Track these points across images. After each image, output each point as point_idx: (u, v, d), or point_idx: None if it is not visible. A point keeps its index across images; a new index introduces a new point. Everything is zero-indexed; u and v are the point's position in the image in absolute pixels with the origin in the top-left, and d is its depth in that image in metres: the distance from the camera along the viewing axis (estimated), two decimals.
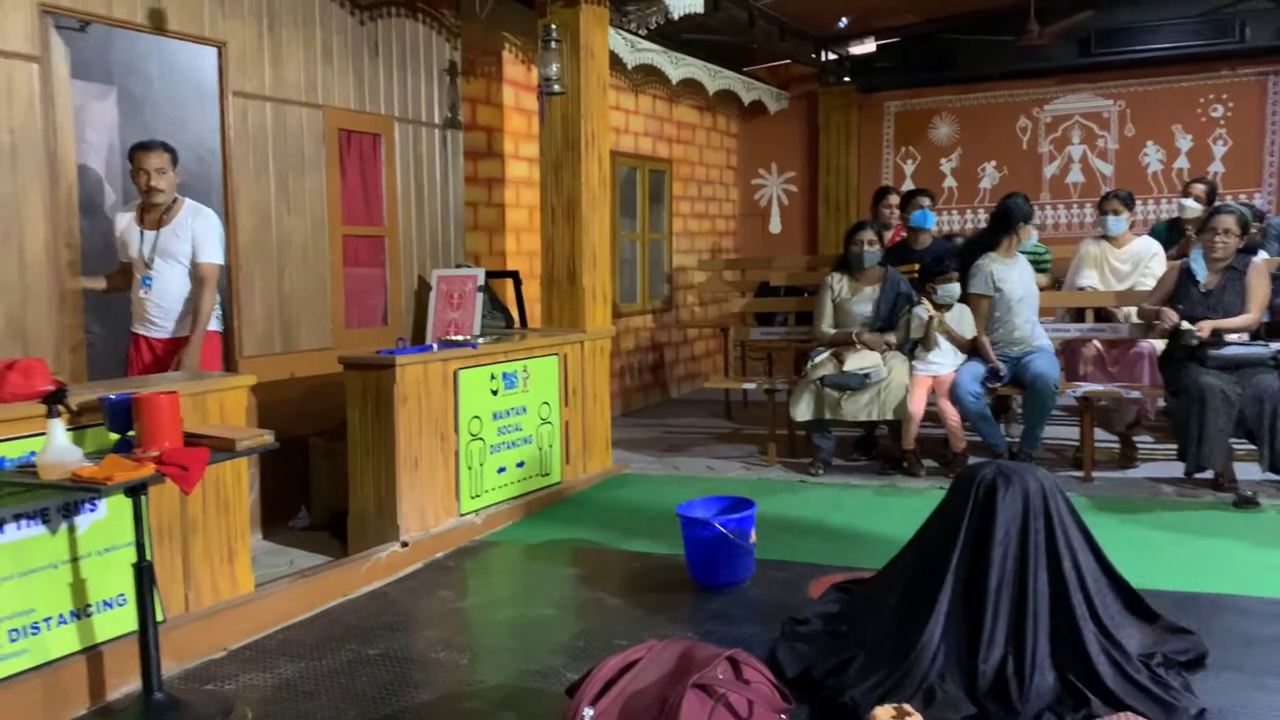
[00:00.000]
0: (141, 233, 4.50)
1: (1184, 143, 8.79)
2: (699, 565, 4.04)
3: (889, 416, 5.74)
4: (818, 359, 5.96)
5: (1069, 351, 6.20)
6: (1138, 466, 5.76)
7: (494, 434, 5.08)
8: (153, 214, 4.49)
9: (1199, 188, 6.44)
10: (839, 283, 6.12)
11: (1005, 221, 5.85)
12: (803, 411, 5.87)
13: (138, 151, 4.43)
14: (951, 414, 5.66)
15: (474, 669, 3.39)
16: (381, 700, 3.10)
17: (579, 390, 5.80)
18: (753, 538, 4.07)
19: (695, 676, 2.46)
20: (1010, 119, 9.31)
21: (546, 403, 5.49)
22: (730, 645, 2.83)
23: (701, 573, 4.04)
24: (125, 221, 4.59)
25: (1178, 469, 5.35)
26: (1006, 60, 8.93)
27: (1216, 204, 5.87)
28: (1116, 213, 6.06)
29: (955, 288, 5.77)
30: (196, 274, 4.49)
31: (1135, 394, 5.59)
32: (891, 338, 5.90)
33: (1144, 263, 6.04)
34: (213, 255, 4.50)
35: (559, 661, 3.33)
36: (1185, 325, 5.09)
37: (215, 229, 4.53)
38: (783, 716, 2.68)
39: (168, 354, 4.54)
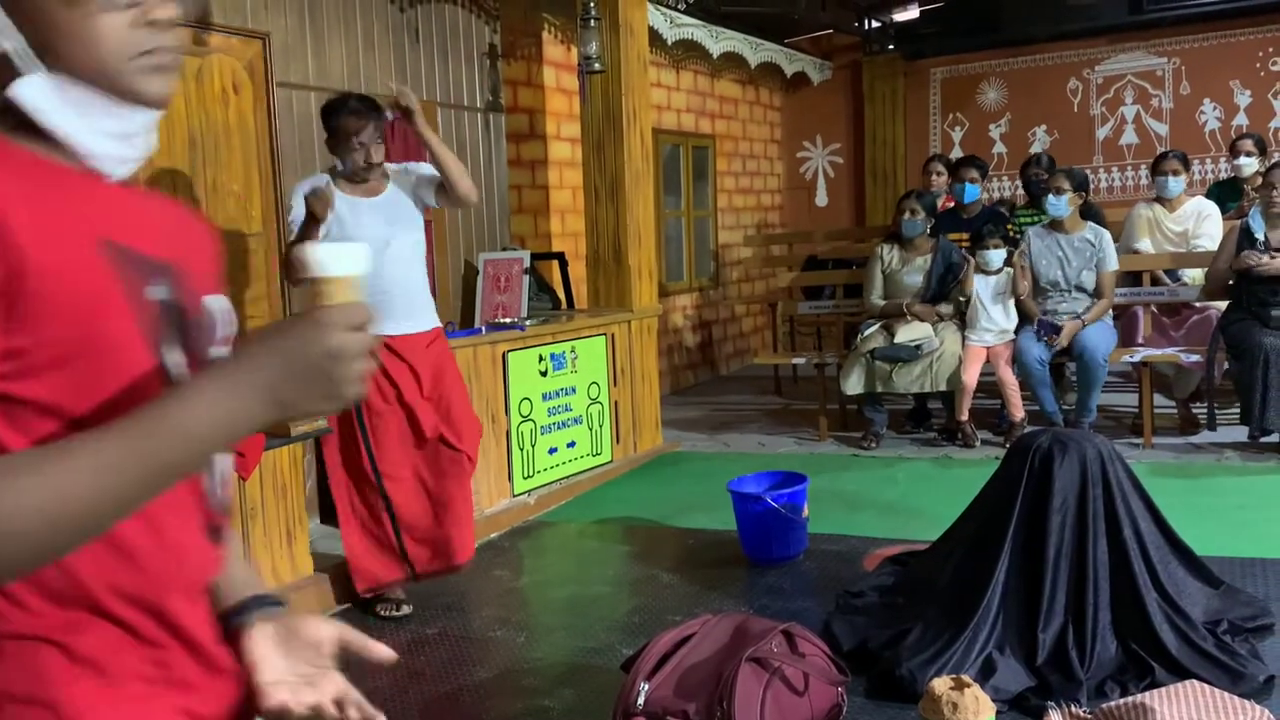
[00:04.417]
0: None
1: (1243, 99, 8.53)
2: (752, 540, 4.04)
3: (941, 388, 5.68)
4: (868, 331, 5.90)
5: (1126, 317, 6.08)
6: (1199, 433, 5.63)
7: (544, 415, 5.11)
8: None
9: (1247, 143, 6.25)
10: (889, 253, 6.05)
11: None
12: (853, 385, 5.82)
13: (347, 117, 3.55)
14: (1011, 381, 5.59)
15: (531, 647, 3.42)
16: (440, 678, 3.14)
17: (627, 370, 5.81)
18: (805, 512, 4.06)
19: (750, 650, 2.46)
20: (1060, 81, 9.09)
21: (595, 383, 5.50)
22: (785, 619, 2.83)
23: (755, 548, 4.03)
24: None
25: (1242, 433, 5.23)
26: (1054, 21, 8.71)
27: (1276, 160, 5.69)
28: (1176, 173, 5.88)
29: (996, 254, 5.68)
30: None
31: (1195, 358, 5.46)
32: (944, 308, 5.82)
33: (1198, 223, 5.89)
34: None
35: (614, 638, 3.35)
36: None
37: None
38: (839, 689, 2.68)
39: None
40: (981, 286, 5.70)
